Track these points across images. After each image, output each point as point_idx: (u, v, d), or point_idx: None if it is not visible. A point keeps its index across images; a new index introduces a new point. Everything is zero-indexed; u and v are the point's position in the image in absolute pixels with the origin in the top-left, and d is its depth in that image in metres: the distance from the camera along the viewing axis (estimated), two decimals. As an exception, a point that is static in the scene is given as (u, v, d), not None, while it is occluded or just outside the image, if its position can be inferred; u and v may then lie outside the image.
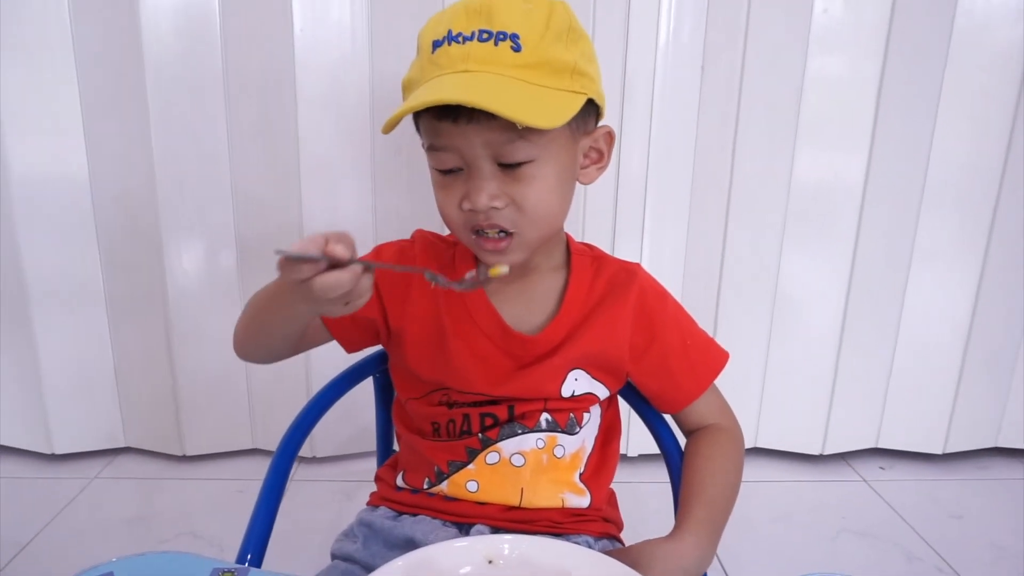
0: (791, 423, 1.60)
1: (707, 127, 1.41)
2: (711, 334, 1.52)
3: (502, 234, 0.65)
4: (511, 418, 0.71)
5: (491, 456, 0.70)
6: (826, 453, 1.60)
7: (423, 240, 0.77)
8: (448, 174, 0.65)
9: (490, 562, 0.58)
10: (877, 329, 1.54)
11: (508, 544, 0.60)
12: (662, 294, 0.76)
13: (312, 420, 0.81)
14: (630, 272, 0.75)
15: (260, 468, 1.53)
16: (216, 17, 1.33)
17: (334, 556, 0.75)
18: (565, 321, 0.71)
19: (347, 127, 1.38)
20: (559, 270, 0.74)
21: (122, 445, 1.58)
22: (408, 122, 0.66)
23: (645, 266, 1.47)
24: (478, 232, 0.65)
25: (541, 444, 0.71)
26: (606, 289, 0.73)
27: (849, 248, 1.49)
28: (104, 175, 1.42)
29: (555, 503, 0.71)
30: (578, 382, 0.71)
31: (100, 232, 1.45)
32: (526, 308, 0.72)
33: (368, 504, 0.78)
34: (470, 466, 0.71)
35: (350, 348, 0.77)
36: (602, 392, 0.74)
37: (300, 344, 0.74)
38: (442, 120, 0.61)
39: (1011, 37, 1.38)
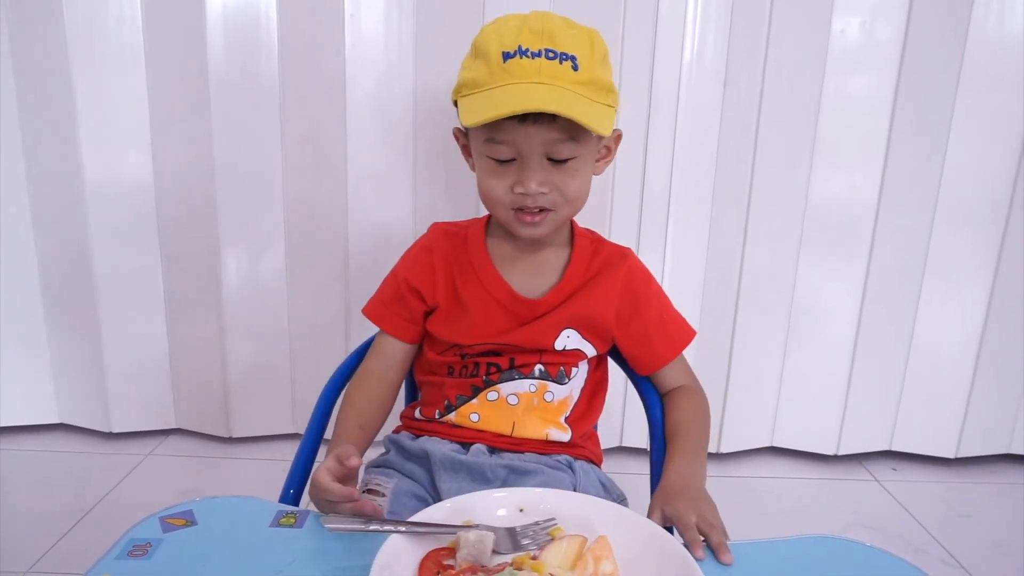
0: (806, 424, 1.66)
1: (728, 142, 1.49)
2: (729, 338, 1.61)
3: (540, 211, 0.80)
4: (511, 367, 0.86)
5: (491, 394, 0.86)
6: (840, 454, 1.66)
7: (440, 231, 0.92)
8: (502, 163, 0.80)
9: (521, 510, 0.67)
10: (891, 339, 1.60)
11: (539, 496, 0.69)
12: (647, 276, 0.91)
13: (348, 370, 0.97)
14: (623, 254, 0.90)
15: (302, 451, 1.64)
16: (274, 34, 1.45)
17: (368, 466, 0.90)
18: (564, 289, 0.86)
19: (392, 136, 1.49)
20: (564, 247, 0.89)
21: (173, 426, 1.70)
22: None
23: (668, 273, 1.56)
24: (518, 209, 0.80)
25: (533, 388, 0.86)
26: (601, 266, 0.88)
27: (863, 261, 1.56)
28: (168, 179, 1.54)
29: (540, 436, 0.86)
30: (569, 339, 0.86)
31: (162, 231, 1.57)
32: (532, 277, 0.87)
33: (393, 432, 0.93)
34: (473, 400, 0.86)
35: (417, 341, 0.92)
36: (590, 350, 0.88)
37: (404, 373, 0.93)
38: (509, 119, 0.75)
39: (1022, 59, 1.44)
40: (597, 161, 0.85)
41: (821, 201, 1.53)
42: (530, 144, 0.77)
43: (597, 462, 0.91)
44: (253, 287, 1.59)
